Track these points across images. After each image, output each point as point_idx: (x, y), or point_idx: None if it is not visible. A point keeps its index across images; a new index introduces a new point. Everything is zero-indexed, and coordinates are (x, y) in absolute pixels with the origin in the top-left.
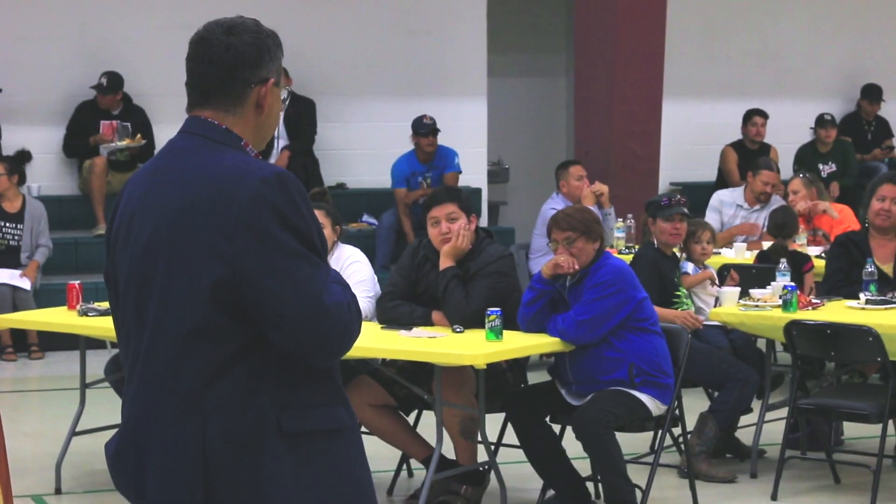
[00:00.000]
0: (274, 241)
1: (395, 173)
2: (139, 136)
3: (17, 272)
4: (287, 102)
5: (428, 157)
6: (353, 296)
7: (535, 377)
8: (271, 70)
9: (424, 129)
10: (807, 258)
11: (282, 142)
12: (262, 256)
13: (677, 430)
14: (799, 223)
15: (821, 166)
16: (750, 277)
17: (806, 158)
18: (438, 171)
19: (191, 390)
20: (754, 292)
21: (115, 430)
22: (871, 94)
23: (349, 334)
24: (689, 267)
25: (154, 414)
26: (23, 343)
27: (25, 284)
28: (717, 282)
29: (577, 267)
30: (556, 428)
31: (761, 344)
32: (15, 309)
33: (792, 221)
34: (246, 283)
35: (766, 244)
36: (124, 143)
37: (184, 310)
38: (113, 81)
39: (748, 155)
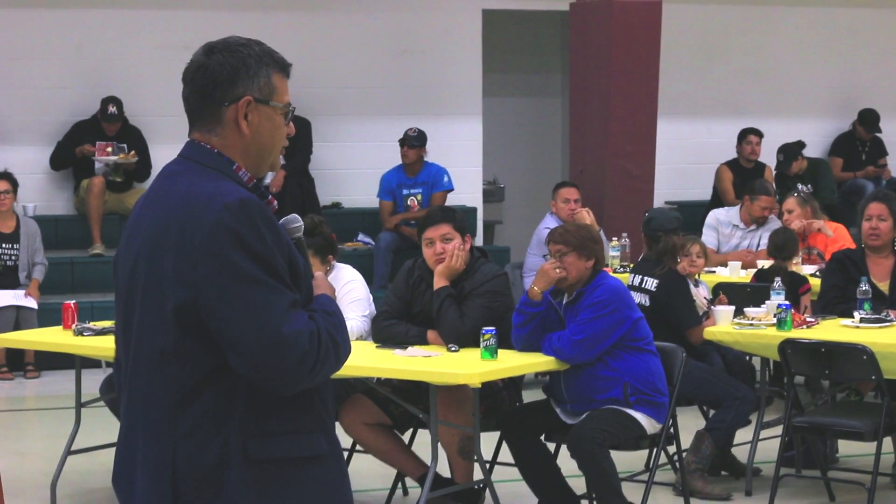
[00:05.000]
0: (233, 268)
1: (382, 183)
2: (132, 153)
3: (21, 292)
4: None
5: (411, 170)
6: (333, 324)
7: (531, 395)
8: (250, 87)
9: (404, 139)
10: (804, 280)
11: (278, 167)
12: (220, 283)
13: (672, 449)
14: (798, 245)
15: (799, 186)
16: (745, 296)
17: (783, 182)
18: (427, 187)
19: (163, 414)
20: (749, 311)
21: None
22: (868, 121)
23: (309, 364)
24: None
25: (135, 435)
26: (19, 362)
27: (32, 304)
28: (709, 297)
29: (563, 274)
30: (552, 446)
31: (755, 361)
32: (18, 328)
33: (792, 243)
34: (206, 308)
35: (761, 263)
36: (118, 157)
37: (156, 333)
38: (121, 108)
39: (743, 174)
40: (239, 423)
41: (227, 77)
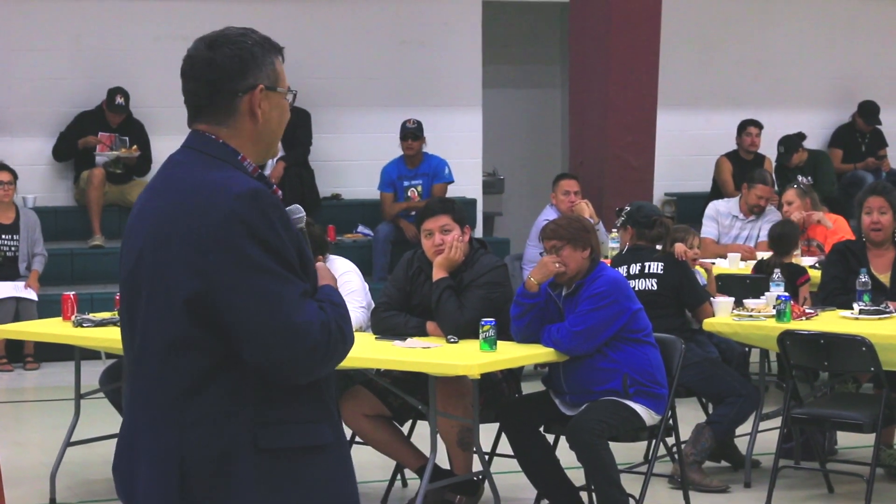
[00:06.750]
0: (245, 258)
1: (383, 175)
2: (134, 147)
3: (21, 284)
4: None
5: (412, 162)
6: (341, 315)
7: (530, 387)
8: (259, 76)
9: (403, 131)
10: (802, 271)
11: (277, 152)
12: (232, 272)
13: (671, 440)
14: (799, 237)
15: (800, 177)
16: (744, 288)
17: (783, 174)
18: (427, 179)
19: (171, 403)
20: (748, 302)
21: None
22: (868, 113)
23: (320, 353)
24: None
25: (140, 426)
26: (18, 354)
27: (32, 296)
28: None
29: (563, 269)
30: (550, 438)
31: (754, 354)
32: (18, 319)
33: (789, 237)
34: (217, 298)
35: (760, 254)
36: (120, 152)
37: (164, 323)
38: (128, 100)
39: (743, 165)
40: (247, 412)
41: (238, 68)
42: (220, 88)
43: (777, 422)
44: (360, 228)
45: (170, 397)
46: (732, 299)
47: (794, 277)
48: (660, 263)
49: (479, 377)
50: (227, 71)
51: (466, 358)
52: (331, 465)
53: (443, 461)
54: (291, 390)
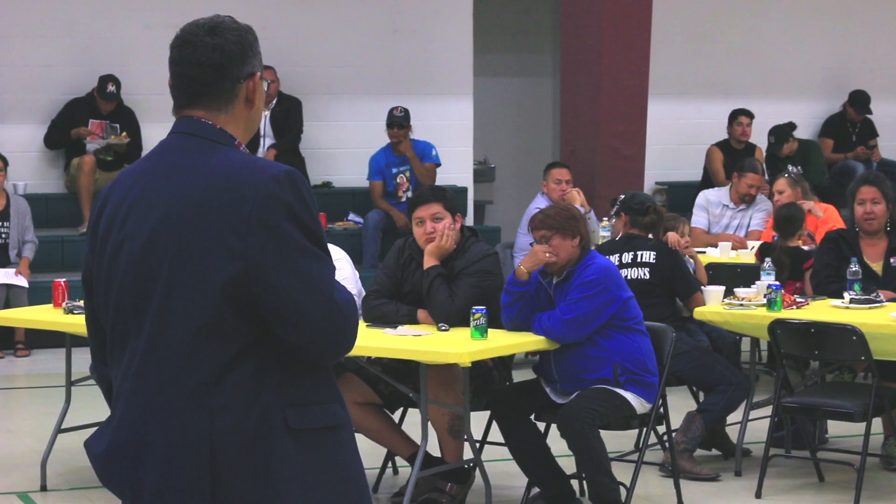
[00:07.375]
0: (287, 239)
1: (371, 164)
2: (125, 134)
3: (12, 271)
4: (268, 91)
5: (399, 148)
6: (351, 293)
7: (521, 375)
8: (255, 64)
9: (389, 119)
10: (808, 255)
11: (268, 140)
12: (275, 254)
13: (662, 429)
14: (804, 220)
15: (790, 167)
16: (735, 276)
17: (773, 163)
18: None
19: (197, 388)
20: (739, 291)
21: (97, 428)
22: (858, 103)
23: (356, 330)
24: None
25: (158, 412)
26: (9, 341)
27: (22, 283)
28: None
29: (554, 258)
30: (541, 426)
31: (745, 343)
32: (8, 306)
33: (795, 219)
34: (259, 280)
35: (751, 243)
36: (110, 139)
37: (193, 308)
38: (119, 88)
39: (734, 154)
40: (274, 394)
41: (241, 55)
42: (225, 74)
43: (768, 410)
44: (351, 216)
45: (195, 383)
46: (723, 288)
47: (801, 262)
48: (652, 252)
49: (469, 365)
50: (232, 57)
51: (457, 346)
52: (348, 443)
53: (434, 449)
54: (309, 372)
